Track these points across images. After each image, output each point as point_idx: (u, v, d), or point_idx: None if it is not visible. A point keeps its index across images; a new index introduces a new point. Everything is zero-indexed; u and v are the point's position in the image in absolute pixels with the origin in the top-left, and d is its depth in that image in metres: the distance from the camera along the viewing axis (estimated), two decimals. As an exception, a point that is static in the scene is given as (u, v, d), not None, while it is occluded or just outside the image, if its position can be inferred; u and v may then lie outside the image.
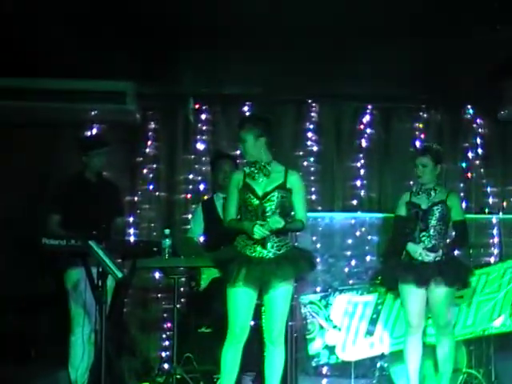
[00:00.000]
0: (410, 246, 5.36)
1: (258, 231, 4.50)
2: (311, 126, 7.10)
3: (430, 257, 5.29)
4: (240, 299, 4.56)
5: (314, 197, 6.94)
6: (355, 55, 5.99)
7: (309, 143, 7.08)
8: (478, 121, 7.14)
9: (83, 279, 5.14)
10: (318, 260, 6.65)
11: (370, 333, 6.03)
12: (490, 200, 7.01)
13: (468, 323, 6.07)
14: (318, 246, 6.73)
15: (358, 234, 6.80)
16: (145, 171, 7.02)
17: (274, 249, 4.58)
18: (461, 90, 6.79)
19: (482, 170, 7.08)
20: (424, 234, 5.40)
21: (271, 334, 4.62)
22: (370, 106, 7.12)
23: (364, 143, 7.10)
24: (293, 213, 4.77)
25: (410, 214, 5.47)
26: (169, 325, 6.57)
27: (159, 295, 6.80)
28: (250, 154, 4.69)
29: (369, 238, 6.79)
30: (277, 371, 4.65)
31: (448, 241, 5.51)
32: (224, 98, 7.07)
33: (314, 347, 6.02)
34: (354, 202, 7.01)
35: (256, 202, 4.60)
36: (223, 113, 7.09)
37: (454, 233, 5.56)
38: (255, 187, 4.62)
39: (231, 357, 4.59)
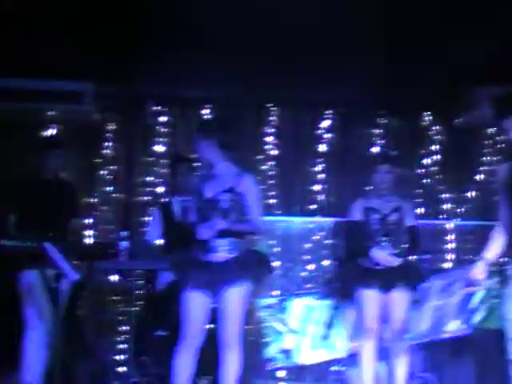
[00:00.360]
0: (376, 252, 5.39)
1: (203, 232, 4.50)
2: (271, 131, 7.11)
3: (397, 262, 5.34)
4: (192, 303, 4.53)
5: (272, 201, 6.95)
6: (315, 61, 6.01)
7: (268, 147, 7.09)
8: (435, 127, 7.22)
9: (38, 281, 5.08)
10: (276, 264, 6.67)
11: (326, 337, 6.06)
12: (446, 206, 7.09)
13: (422, 328, 6.13)
14: (276, 249, 6.74)
15: (315, 238, 6.83)
16: (103, 173, 6.97)
17: (223, 252, 4.58)
18: (419, 97, 6.84)
19: (438, 177, 7.15)
20: (385, 239, 5.44)
21: (224, 338, 4.60)
22: (329, 111, 7.15)
23: (323, 148, 7.13)
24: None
25: (367, 219, 5.51)
26: (125, 328, 6.52)
27: (116, 298, 6.74)
28: (202, 156, 4.71)
29: (327, 242, 6.83)
30: (231, 375, 4.58)
31: (402, 246, 5.56)
32: (184, 101, 7.05)
33: (271, 351, 6.04)
34: (313, 207, 7.03)
35: (205, 204, 4.60)
36: (182, 115, 7.07)
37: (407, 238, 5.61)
38: (205, 190, 4.62)
39: (184, 361, 4.54)
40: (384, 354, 5.72)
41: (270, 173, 7.03)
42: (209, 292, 4.55)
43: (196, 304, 4.53)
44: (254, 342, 6.17)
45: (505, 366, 6.46)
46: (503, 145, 7.16)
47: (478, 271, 4.12)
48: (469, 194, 7.15)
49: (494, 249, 4.15)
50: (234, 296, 4.53)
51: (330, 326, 6.07)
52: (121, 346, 6.66)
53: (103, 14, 5.23)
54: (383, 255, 5.35)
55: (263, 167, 7.02)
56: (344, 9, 5.15)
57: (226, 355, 4.59)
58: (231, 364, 4.58)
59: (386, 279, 5.35)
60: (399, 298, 5.37)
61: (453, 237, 6.96)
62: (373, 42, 5.63)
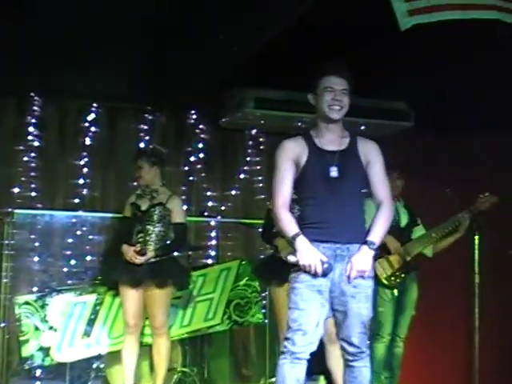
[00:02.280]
0: (124, 248, 5.41)
1: None
2: (33, 121, 6.83)
3: (138, 260, 5.36)
4: None
5: (33, 194, 6.68)
6: (83, 51, 5.87)
7: (30, 138, 6.80)
8: (201, 126, 7.33)
9: None
10: (36, 259, 6.46)
11: (87, 334, 5.95)
12: (210, 204, 7.23)
13: (184, 323, 6.21)
14: (37, 244, 6.52)
15: (78, 233, 6.70)
16: None
17: None
18: (185, 95, 6.91)
19: (203, 175, 7.27)
20: (141, 235, 5.47)
21: None
22: (95, 104, 7.02)
23: (88, 141, 6.97)
24: None
25: (132, 214, 5.53)
26: None
27: None
28: None
29: (90, 237, 6.72)
30: None
31: (168, 242, 5.61)
32: None
33: (28, 349, 5.80)
34: (76, 201, 6.85)
35: None
36: None
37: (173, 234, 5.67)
38: None
39: None
40: (145, 349, 5.74)
41: (31, 164, 6.74)
42: None
43: None
44: (9, 340, 5.93)
45: (262, 358, 6.78)
46: (264, 146, 7.47)
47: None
48: (232, 193, 7.35)
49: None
50: None
51: (91, 322, 5.96)
52: None
53: None
54: (128, 252, 5.37)
55: (24, 158, 6.72)
56: (115, 2, 5.08)
57: None
58: None
59: (135, 275, 5.38)
60: (151, 294, 5.40)
61: (215, 233, 7.11)
62: (142, 36, 5.60)
